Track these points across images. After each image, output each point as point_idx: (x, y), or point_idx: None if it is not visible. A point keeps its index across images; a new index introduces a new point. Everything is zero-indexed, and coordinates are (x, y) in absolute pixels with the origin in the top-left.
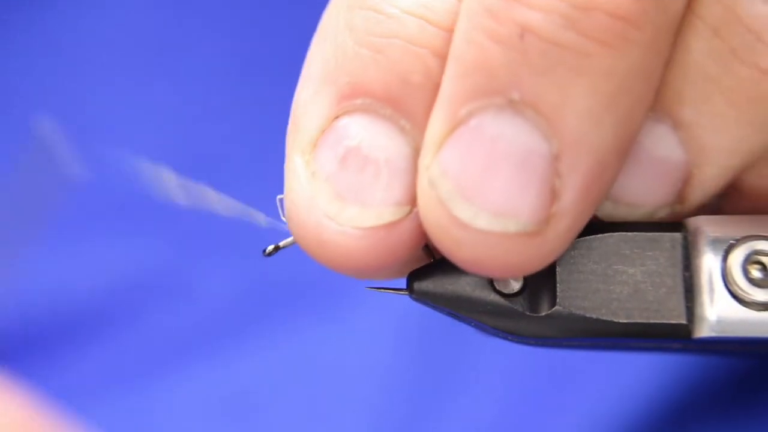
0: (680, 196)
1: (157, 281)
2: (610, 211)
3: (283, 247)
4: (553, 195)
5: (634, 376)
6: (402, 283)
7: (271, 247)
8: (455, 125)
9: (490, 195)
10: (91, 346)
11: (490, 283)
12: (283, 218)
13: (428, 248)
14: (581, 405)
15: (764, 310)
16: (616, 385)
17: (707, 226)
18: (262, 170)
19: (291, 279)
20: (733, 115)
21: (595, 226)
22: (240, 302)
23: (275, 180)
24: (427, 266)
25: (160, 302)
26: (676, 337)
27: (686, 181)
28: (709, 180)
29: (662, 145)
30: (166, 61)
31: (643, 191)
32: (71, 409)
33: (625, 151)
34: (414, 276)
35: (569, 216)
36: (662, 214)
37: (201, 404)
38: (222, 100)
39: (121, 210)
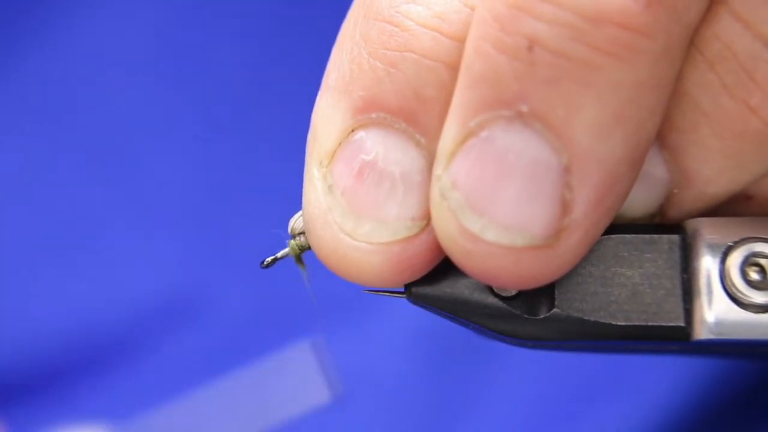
0: (660, 211)
1: (177, 304)
2: None
3: (281, 258)
4: (564, 208)
5: (648, 381)
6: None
7: (269, 259)
8: (466, 136)
9: (499, 208)
10: (116, 370)
11: (488, 286)
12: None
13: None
14: (595, 410)
15: (762, 312)
16: (631, 392)
17: (705, 228)
18: (280, 179)
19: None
20: (718, 147)
21: None
22: (260, 319)
23: (294, 191)
24: None
25: (182, 324)
26: (674, 339)
27: (667, 199)
28: (687, 202)
29: (647, 161)
30: (185, 74)
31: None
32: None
33: (637, 161)
34: None
35: (581, 229)
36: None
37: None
38: (241, 109)
39: (142, 232)
